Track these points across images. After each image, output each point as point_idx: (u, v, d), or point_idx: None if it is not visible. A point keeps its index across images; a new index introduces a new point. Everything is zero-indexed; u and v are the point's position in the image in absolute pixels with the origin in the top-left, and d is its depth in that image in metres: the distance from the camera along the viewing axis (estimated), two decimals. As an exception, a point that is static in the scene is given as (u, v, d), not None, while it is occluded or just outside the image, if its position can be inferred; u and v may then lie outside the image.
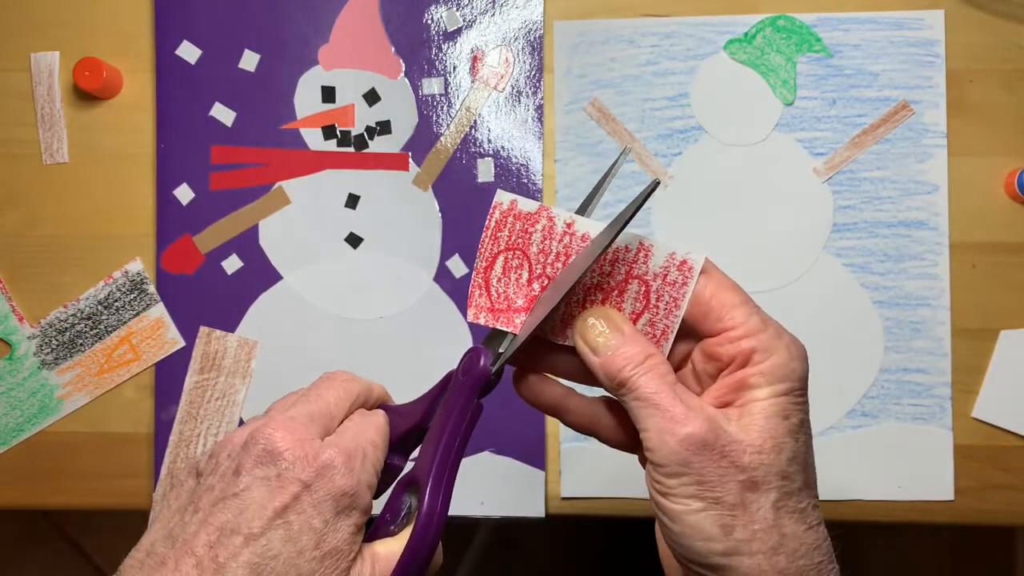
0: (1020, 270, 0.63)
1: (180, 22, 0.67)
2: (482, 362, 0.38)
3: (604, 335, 0.37)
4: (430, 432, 0.39)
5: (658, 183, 0.38)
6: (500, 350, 0.39)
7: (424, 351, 0.65)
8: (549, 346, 0.40)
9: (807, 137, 0.64)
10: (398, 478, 0.40)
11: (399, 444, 0.40)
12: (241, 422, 0.65)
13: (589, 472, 0.64)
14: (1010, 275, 0.63)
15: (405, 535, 0.37)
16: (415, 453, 0.40)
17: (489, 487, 0.64)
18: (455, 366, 0.40)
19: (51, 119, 0.67)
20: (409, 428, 0.40)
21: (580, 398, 0.41)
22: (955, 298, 0.63)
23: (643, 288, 0.38)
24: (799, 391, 0.36)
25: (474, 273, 0.40)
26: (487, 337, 0.40)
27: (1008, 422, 0.63)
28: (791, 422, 0.35)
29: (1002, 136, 0.64)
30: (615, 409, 0.40)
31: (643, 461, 0.39)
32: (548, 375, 0.41)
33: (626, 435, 0.40)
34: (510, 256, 0.39)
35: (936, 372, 0.63)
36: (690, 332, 0.38)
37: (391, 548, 0.37)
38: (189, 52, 0.67)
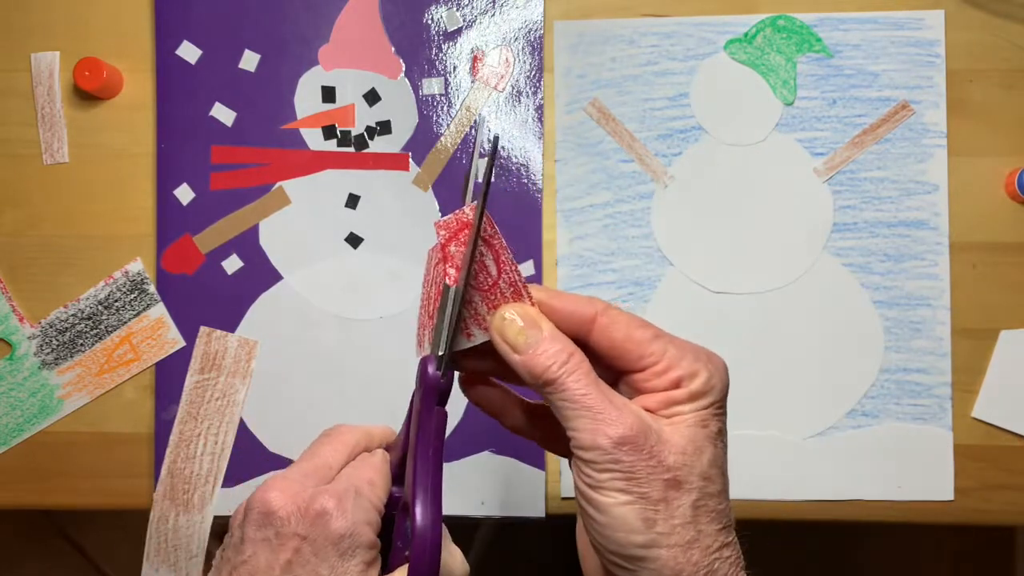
0: (1020, 270, 0.63)
1: (180, 22, 0.67)
2: (430, 370, 0.39)
3: (524, 333, 0.37)
4: (414, 451, 0.39)
5: (497, 137, 0.39)
6: (444, 350, 0.39)
7: (424, 351, 0.65)
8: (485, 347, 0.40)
9: (807, 137, 0.64)
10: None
11: (402, 476, 0.41)
12: (241, 423, 0.65)
13: (589, 472, 0.64)
14: (1010, 275, 0.63)
15: None
16: None
17: (489, 487, 0.64)
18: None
19: (51, 119, 0.67)
20: (402, 457, 0.41)
21: (516, 402, 0.43)
22: (955, 298, 0.63)
23: (492, 253, 0.39)
24: (718, 404, 0.38)
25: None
26: (434, 339, 0.40)
27: (1008, 422, 0.63)
28: (710, 430, 0.37)
29: (1002, 136, 0.64)
30: (536, 412, 0.42)
31: (561, 453, 0.41)
32: (491, 378, 0.42)
33: (543, 434, 0.43)
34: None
35: (936, 372, 0.63)
36: (611, 369, 0.39)
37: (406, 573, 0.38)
38: (189, 52, 0.67)
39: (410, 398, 0.41)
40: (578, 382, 0.36)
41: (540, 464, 0.64)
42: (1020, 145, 0.64)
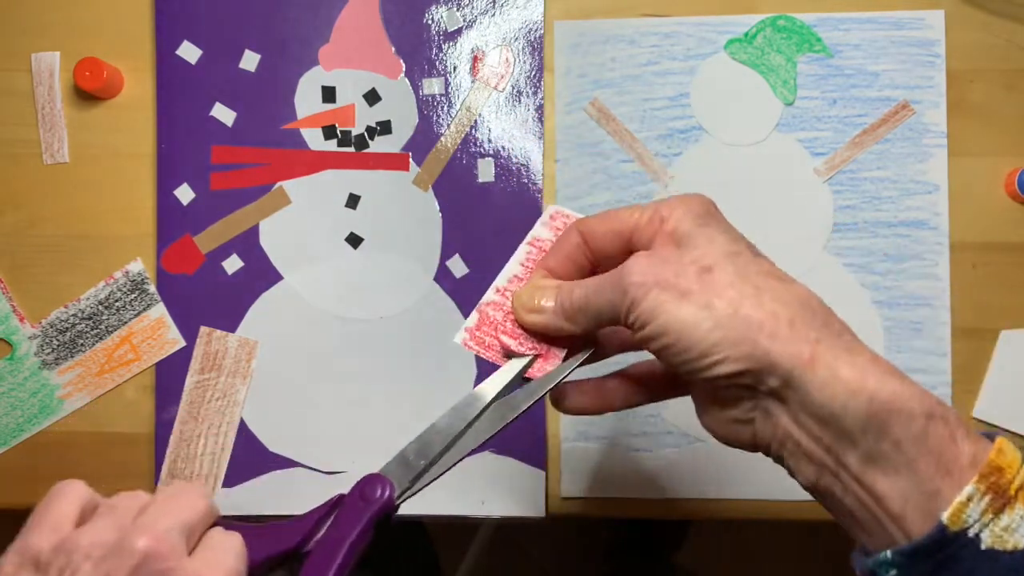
0: (1020, 270, 0.63)
1: (180, 22, 0.67)
2: (387, 494, 0.39)
3: (536, 302, 0.42)
4: (318, 556, 0.38)
5: (593, 350, 0.43)
6: (409, 484, 0.40)
7: (424, 351, 0.65)
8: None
9: (807, 137, 0.64)
10: None
11: (255, 569, 0.39)
12: (241, 423, 0.65)
13: (589, 472, 0.64)
14: (1010, 275, 0.63)
15: None
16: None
17: (489, 487, 0.64)
18: (348, 491, 0.40)
19: (51, 119, 0.67)
20: (277, 554, 0.39)
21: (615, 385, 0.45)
22: (955, 298, 0.63)
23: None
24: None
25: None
26: (393, 463, 0.41)
27: (1008, 422, 0.63)
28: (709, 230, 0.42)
29: (1002, 136, 0.64)
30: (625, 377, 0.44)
31: (680, 391, 0.43)
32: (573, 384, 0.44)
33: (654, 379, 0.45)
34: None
35: (936, 372, 0.63)
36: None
37: None
38: (189, 52, 0.67)
39: (329, 502, 0.40)
40: (574, 293, 0.41)
41: (540, 464, 0.64)
42: (1020, 145, 0.64)
